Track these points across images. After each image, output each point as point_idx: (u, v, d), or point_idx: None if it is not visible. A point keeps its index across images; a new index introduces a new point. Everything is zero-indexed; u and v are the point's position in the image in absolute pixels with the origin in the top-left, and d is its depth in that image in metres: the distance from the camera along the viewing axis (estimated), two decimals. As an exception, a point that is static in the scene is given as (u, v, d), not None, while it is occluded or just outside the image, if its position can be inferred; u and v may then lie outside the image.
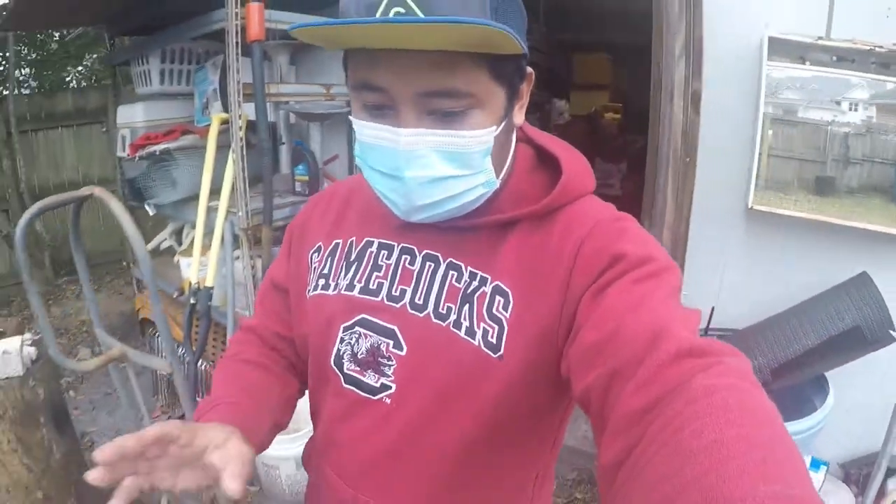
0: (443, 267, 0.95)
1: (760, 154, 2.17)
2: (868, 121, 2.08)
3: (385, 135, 0.83)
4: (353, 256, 1.03)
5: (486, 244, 0.94)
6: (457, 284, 0.93)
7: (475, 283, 0.92)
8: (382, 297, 0.97)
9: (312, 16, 3.05)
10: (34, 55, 8.34)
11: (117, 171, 4.38)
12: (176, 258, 3.58)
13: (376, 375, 0.96)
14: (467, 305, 0.91)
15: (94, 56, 8.01)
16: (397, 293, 0.96)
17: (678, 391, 0.61)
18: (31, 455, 2.48)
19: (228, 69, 2.80)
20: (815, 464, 2.27)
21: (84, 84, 8.60)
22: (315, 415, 1.14)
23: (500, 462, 0.99)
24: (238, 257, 3.01)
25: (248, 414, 1.03)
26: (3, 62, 7.46)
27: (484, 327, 0.89)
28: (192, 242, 3.45)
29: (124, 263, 6.66)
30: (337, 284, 1.03)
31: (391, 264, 0.99)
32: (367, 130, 0.85)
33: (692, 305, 0.78)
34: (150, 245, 4.16)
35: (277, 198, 2.98)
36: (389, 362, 0.95)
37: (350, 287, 1.00)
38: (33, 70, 8.52)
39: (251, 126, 2.91)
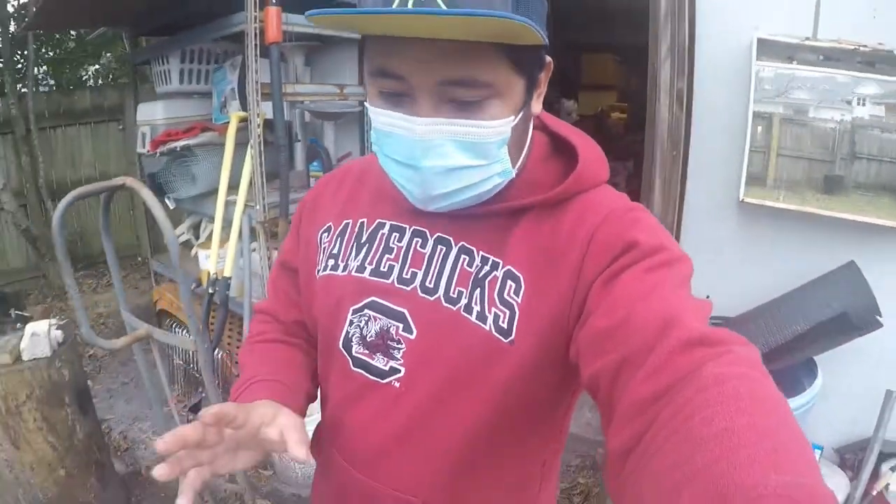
0: (454, 251, 0.93)
1: (770, 153, 2.23)
2: (877, 119, 2.13)
3: (401, 123, 0.81)
4: (364, 238, 1.02)
5: (498, 229, 0.92)
6: (468, 269, 0.92)
7: (487, 268, 0.91)
8: (393, 280, 0.96)
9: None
10: (52, 53, 8.43)
11: (137, 167, 4.49)
12: (194, 251, 3.69)
13: (385, 359, 0.95)
14: (478, 290, 0.90)
15: (110, 55, 8.11)
16: (408, 276, 0.95)
17: (688, 379, 0.61)
18: (56, 433, 2.60)
19: (247, 69, 2.93)
20: (809, 447, 2.33)
21: (101, 82, 8.70)
22: (323, 398, 1.13)
23: (510, 448, 0.98)
24: (255, 249, 3.14)
25: (283, 388, 1.04)
26: (22, 60, 7.56)
27: (495, 312, 0.89)
28: (209, 235, 3.57)
29: (139, 259, 6.78)
30: (347, 265, 1.01)
31: (402, 247, 0.97)
32: (382, 118, 0.84)
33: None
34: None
35: (293, 193, 3.10)
36: (399, 345, 0.94)
37: (361, 269, 0.99)
38: (51, 68, 8.62)
39: (268, 124, 3.03)
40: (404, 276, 0.95)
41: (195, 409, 2.88)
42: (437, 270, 0.93)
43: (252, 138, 2.94)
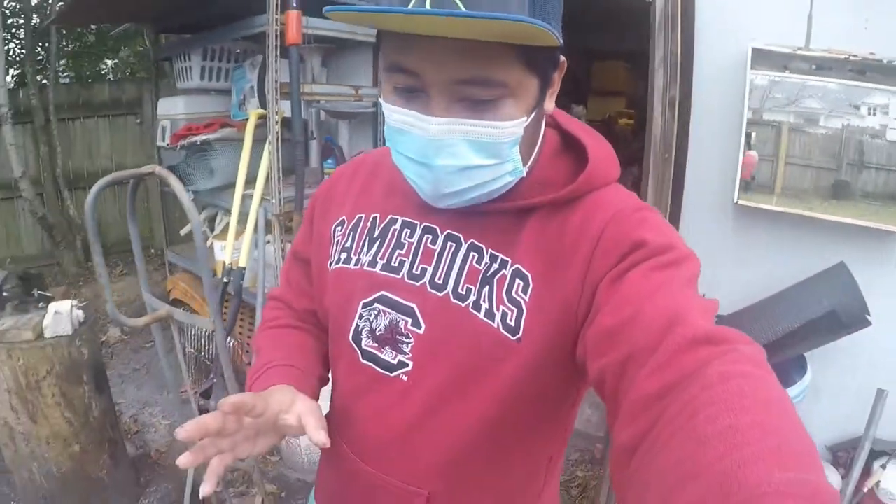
0: (464, 248, 0.94)
1: (778, 161, 2.29)
2: (884, 129, 2.17)
3: (414, 121, 0.82)
4: (376, 233, 1.02)
5: (507, 227, 0.93)
6: (477, 266, 0.92)
7: (495, 266, 0.91)
8: (403, 275, 0.96)
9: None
10: (71, 46, 8.51)
11: (154, 160, 4.59)
12: (209, 242, 3.79)
13: (394, 352, 0.96)
14: (487, 287, 0.91)
15: (127, 49, 8.22)
16: (418, 271, 0.95)
17: (693, 377, 0.61)
18: (73, 409, 2.70)
19: (267, 69, 3.04)
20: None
21: (120, 76, 8.79)
22: (332, 389, 1.15)
23: (516, 443, 0.99)
24: (269, 241, 3.24)
25: (297, 373, 1.07)
26: (43, 52, 7.69)
27: (503, 310, 0.89)
28: (225, 228, 3.68)
29: (152, 251, 6.89)
30: (359, 259, 1.02)
31: (413, 243, 0.98)
32: (396, 115, 0.84)
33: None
34: (184, 231, 4.41)
35: (307, 188, 3.19)
36: (407, 340, 0.95)
37: (372, 263, 0.99)
38: (70, 61, 8.71)
39: (286, 122, 3.14)
40: (414, 271, 0.96)
41: (206, 394, 2.99)
42: (446, 267, 0.94)
43: (270, 135, 3.05)
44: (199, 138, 3.50)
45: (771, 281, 2.38)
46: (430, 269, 0.95)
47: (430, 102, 0.80)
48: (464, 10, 0.70)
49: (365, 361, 0.99)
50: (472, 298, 0.91)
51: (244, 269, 3.14)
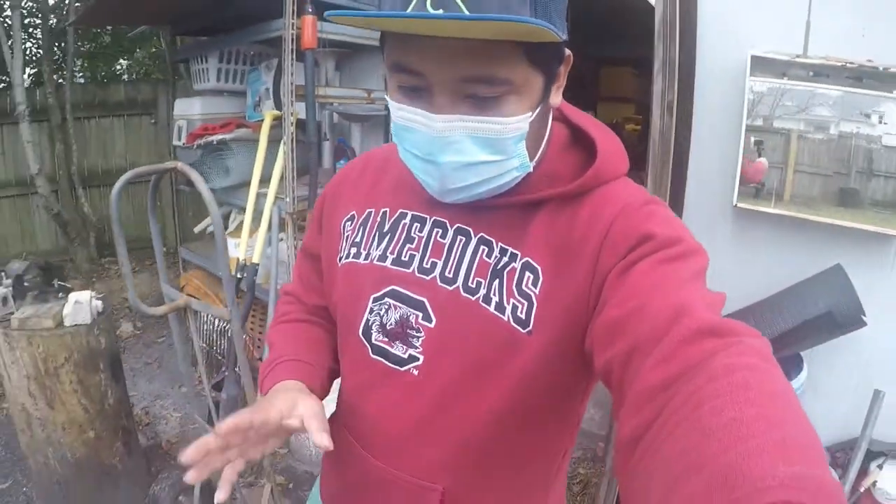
0: (474, 241, 0.94)
1: (787, 169, 2.31)
2: (881, 135, 2.18)
3: (420, 119, 0.82)
4: (386, 227, 1.02)
5: (516, 221, 0.93)
6: (487, 259, 0.92)
7: (505, 259, 0.91)
8: (413, 269, 0.96)
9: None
10: (87, 47, 8.60)
11: (169, 159, 4.69)
12: (222, 240, 3.89)
13: (404, 347, 0.96)
14: (497, 280, 0.90)
15: (142, 50, 8.32)
16: (428, 265, 0.95)
17: (698, 368, 0.61)
18: (89, 396, 2.77)
19: (283, 72, 3.14)
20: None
21: (134, 77, 8.89)
22: (341, 385, 1.14)
23: (528, 438, 0.99)
24: (282, 239, 3.33)
25: (305, 367, 1.09)
26: (59, 52, 7.81)
27: (513, 303, 0.89)
28: (238, 226, 3.77)
29: (164, 248, 6.97)
30: (369, 254, 1.02)
31: (423, 237, 0.98)
32: (401, 113, 0.84)
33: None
34: (198, 228, 4.50)
35: (320, 188, 3.28)
36: (418, 334, 0.95)
37: (382, 258, 0.99)
38: (86, 61, 8.80)
39: (300, 123, 3.23)
40: (424, 265, 0.96)
41: (217, 387, 3.07)
42: (456, 260, 0.94)
43: (286, 135, 3.14)
44: (215, 138, 3.59)
45: (769, 282, 2.42)
46: (440, 263, 0.95)
47: (434, 100, 0.80)
48: (465, 10, 0.70)
49: (375, 356, 0.99)
50: (483, 292, 0.91)
51: (257, 265, 3.22)
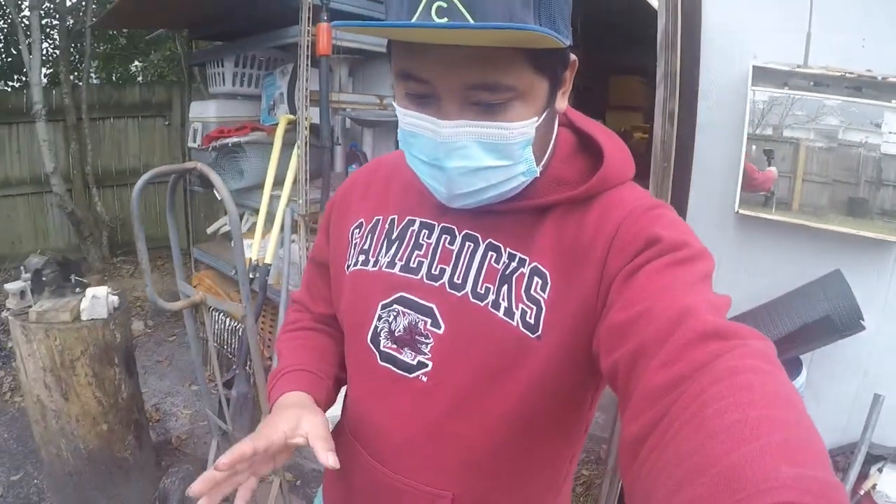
0: (482, 247, 0.94)
1: (796, 179, 2.34)
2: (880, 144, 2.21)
3: (426, 125, 0.83)
4: (394, 234, 1.02)
5: (524, 226, 0.93)
6: (495, 265, 0.92)
7: (514, 265, 0.91)
8: (422, 276, 0.96)
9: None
10: (103, 48, 8.69)
11: (182, 160, 4.77)
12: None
13: (413, 353, 0.96)
14: (506, 286, 0.90)
15: (157, 53, 8.41)
16: (436, 272, 0.95)
17: (703, 370, 0.61)
18: (103, 390, 2.83)
19: (298, 77, 3.21)
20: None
21: (149, 79, 8.98)
22: (347, 394, 1.15)
23: (538, 443, 0.99)
24: (294, 240, 3.39)
25: (312, 377, 1.10)
26: (75, 53, 7.89)
27: (522, 308, 0.89)
28: (251, 227, 3.84)
29: (176, 248, 7.05)
30: (377, 261, 1.01)
31: (431, 243, 0.98)
32: (408, 119, 0.85)
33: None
34: (211, 229, 4.58)
35: (332, 192, 3.33)
36: (427, 340, 0.94)
37: (391, 265, 0.99)
38: (101, 63, 8.90)
39: (314, 128, 3.30)
40: (433, 272, 0.96)
41: (228, 384, 3.13)
42: (465, 267, 0.94)
43: (300, 139, 3.22)
44: (230, 140, 3.67)
45: (770, 287, 2.45)
46: (448, 270, 0.95)
47: (441, 107, 0.81)
48: (470, 19, 0.71)
49: (383, 363, 0.99)
50: (492, 297, 0.91)
51: (270, 265, 3.29)
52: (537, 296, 0.89)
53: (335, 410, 1.17)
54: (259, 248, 3.42)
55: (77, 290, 2.96)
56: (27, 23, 6.07)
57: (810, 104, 2.28)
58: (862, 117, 2.22)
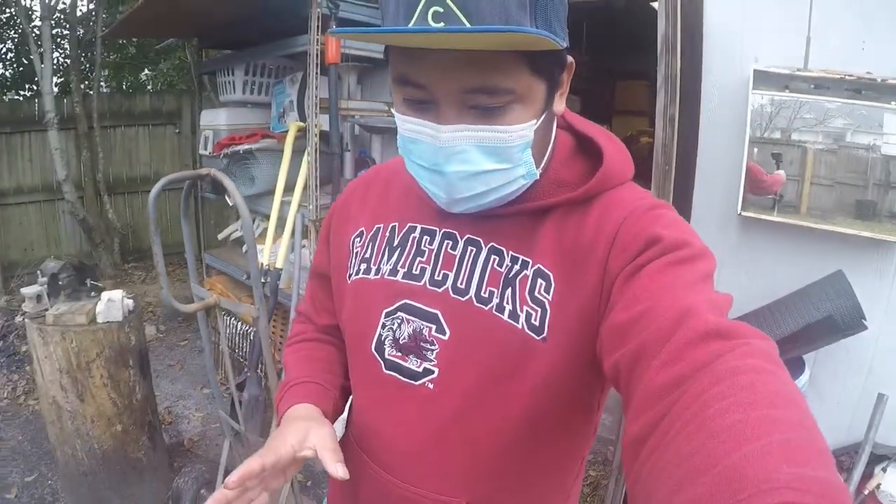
0: (484, 251, 0.93)
1: (804, 183, 2.34)
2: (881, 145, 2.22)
3: (425, 130, 0.82)
4: (396, 241, 1.02)
5: (526, 228, 0.93)
6: (498, 269, 0.92)
7: (517, 267, 0.91)
8: (425, 282, 0.96)
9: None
10: (113, 57, 8.81)
11: (197, 167, 4.82)
12: (244, 248, 4.01)
13: (418, 360, 0.95)
14: (509, 289, 0.90)
15: (167, 62, 8.50)
16: (440, 278, 0.95)
17: (704, 370, 0.61)
18: (118, 391, 2.89)
19: (307, 85, 3.27)
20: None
21: (159, 87, 9.09)
22: (352, 404, 1.13)
23: (547, 446, 0.98)
24: (305, 245, 3.44)
25: (319, 389, 1.10)
26: (85, 62, 7.99)
27: (527, 310, 0.89)
28: (262, 233, 3.90)
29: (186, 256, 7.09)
30: (379, 269, 1.01)
31: (434, 249, 0.97)
32: (407, 125, 0.85)
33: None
34: (222, 235, 4.63)
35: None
36: (432, 346, 0.94)
37: (393, 272, 0.99)
38: (111, 72, 9.02)
39: (323, 135, 3.36)
40: (436, 278, 0.95)
41: (240, 387, 3.18)
42: (468, 271, 0.93)
43: (310, 146, 3.28)
44: (241, 147, 3.71)
45: (772, 289, 2.46)
46: (451, 275, 0.94)
47: (440, 112, 0.81)
48: (466, 23, 0.72)
49: (388, 371, 0.98)
50: (496, 301, 0.90)
51: (280, 270, 3.35)
52: (542, 297, 0.89)
53: (342, 421, 1.18)
54: (270, 253, 3.47)
55: (92, 293, 3.02)
56: (38, 33, 6.16)
57: (818, 107, 2.29)
58: (870, 120, 2.22)
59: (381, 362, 0.99)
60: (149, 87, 9.36)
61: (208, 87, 5.65)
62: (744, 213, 2.49)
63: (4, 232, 6.52)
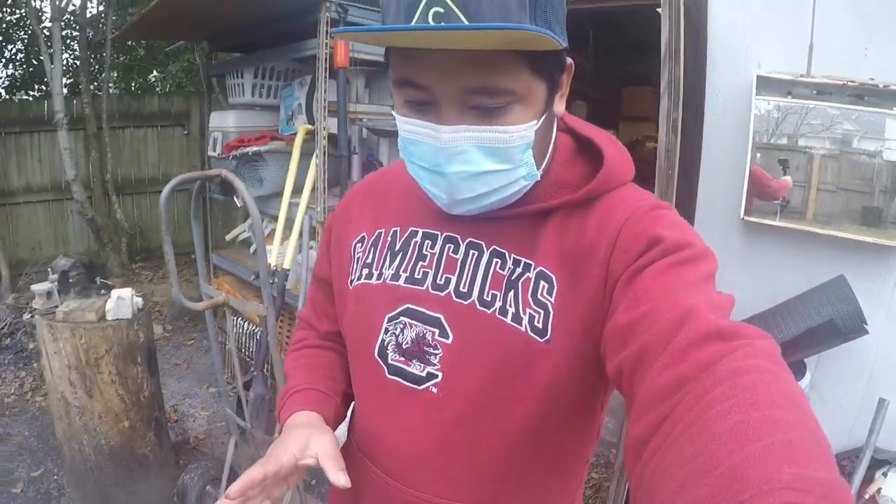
0: (486, 255, 0.93)
1: (810, 189, 2.35)
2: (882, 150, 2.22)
3: (426, 131, 0.82)
4: (397, 246, 1.01)
5: (527, 231, 0.92)
6: (501, 271, 0.91)
7: (519, 270, 0.91)
8: (427, 286, 0.95)
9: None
10: (122, 59, 8.85)
11: (205, 168, 4.86)
12: (253, 247, 4.04)
13: (422, 365, 0.94)
14: (512, 292, 0.90)
15: (176, 64, 8.55)
16: (442, 281, 0.94)
17: (706, 371, 0.60)
18: (126, 388, 2.93)
19: (316, 89, 3.31)
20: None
21: (168, 89, 9.14)
22: (355, 410, 1.13)
23: (551, 449, 0.98)
24: (312, 247, 3.47)
25: (320, 395, 1.09)
26: (95, 63, 8.05)
27: (530, 313, 0.88)
28: (269, 234, 3.93)
29: (193, 256, 7.12)
30: (381, 274, 1.00)
31: (435, 253, 0.97)
32: (408, 127, 0.84)
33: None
34: (230, 236, 4.68)
35: (348, 199, 3.41)
36: (435, 351, 0.93)
37: (395, 277, 0.98)
38: (120, 73, 9.07)
39: (331, 138, 3.40)
40: (438, 282, 0.95)
41: (246, 386, 3.21)
42: (470, 275, 0.93)
43: (318, 148, 3.32)
44: (250, 149, 3.76)
45: (774, 294, 2.48)
46: (453, 279, 0.94)
47: (440, 113, 0.81)
48: (465, 21, 0.71)
49: (391, 376, 0.98)
50: (499, 304, 0.90)
51: (288, 270, 3.38)
52: (544, 300, 0.89)
53: (344, 427, 1.17)
54: (278, 254, 3.50)
55: (102, 291, 3.06)
56: (48, 34, 6.20)
57: (824, 113, 2.30)
58: (878, 126, 2.23)
59: (384, 367, 0.98)
60: (158, 89, 9.40)
61: (217, 90, 5.70)
62: (747, 218, 2.50)
63: (13, 230, 6.56)
